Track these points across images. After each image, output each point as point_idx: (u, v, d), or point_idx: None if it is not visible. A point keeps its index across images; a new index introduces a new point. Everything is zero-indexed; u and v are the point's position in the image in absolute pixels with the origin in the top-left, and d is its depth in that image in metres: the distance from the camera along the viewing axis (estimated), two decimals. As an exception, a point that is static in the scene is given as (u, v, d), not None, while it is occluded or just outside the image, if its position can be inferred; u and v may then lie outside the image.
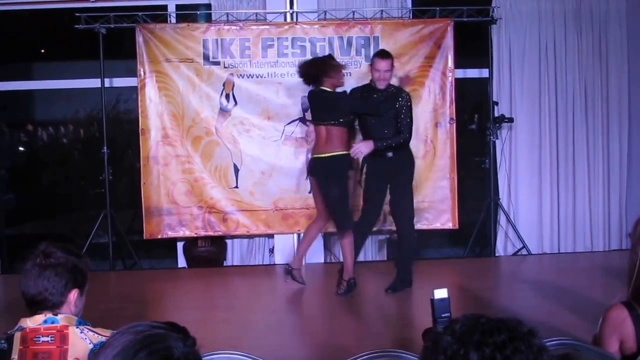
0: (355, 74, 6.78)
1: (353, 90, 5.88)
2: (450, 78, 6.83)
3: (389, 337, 4.36)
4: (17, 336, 2.13)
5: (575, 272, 6.23)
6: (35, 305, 2.19)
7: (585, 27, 7.12)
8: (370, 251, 7.12)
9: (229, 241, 7.08)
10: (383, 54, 5.69)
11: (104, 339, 2.09)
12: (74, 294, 2.23)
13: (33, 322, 2.16)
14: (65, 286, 2.20)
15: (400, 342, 3.52)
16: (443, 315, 2.00)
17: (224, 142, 6.78)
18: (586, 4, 7.11)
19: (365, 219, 5.85)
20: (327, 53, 6.75)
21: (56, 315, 2.17)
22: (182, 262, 7.09)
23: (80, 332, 2.15)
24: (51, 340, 2.13)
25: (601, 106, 7.19)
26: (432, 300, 2.03)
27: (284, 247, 6.95)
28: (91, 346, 2.12)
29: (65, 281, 2.21)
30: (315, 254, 6.94)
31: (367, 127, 5.70)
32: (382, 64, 5.58)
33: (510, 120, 6.93)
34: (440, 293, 2.04)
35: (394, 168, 5.63)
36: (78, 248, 2.37)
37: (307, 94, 5.81)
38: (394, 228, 6.83)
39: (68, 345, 2.13)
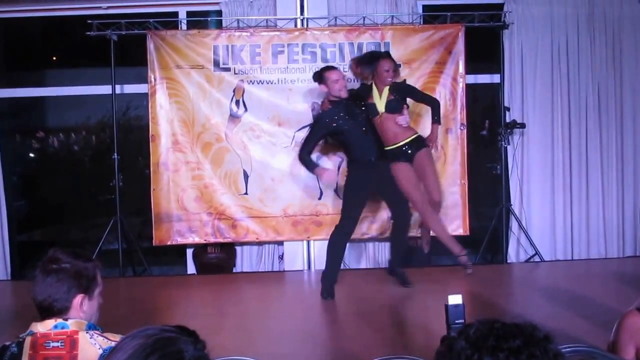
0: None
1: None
2: (461, 84, 6.80)
3: (401, 343, 4.32)
4: (28, 341, 2.13)
5: (589, 279, 6.17)
6: (44, 311, 2.19)
7: (598, 32, 7.08)
8: (379, 257, 7.09)
9: (238, 248, 7.07)
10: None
11: (113, 343, 2.07)
12: (79, 299, 2.21)
13: (44, 327, 2.16)
14: (68, 292, 2.18)
15: (413, 349, 3.48)
16: (457, 321, 1.97)
17: (234, 148, 6.78)
18: (599, 8, 7.06)
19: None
20: (336, 59, 6.77)
21: (66, 320, 2.16)
22: (191, 268, 7.08)
23: (90, 338, 2.14)
24: (61, 345, 2.12)
25: (615, 112, 7.13)
26: (446, 306, 2.01)
27: (293, 254, 6.93)
28: (101, 351, 2.11)
29: (68, 287, 2.19)
30: (324, 260, 6.90)
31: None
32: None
33: (522, 125, 6.90)
34: (455, 299, 2.02)
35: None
36: (89, 253, 2.35)
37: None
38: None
39: (78, 351, 2.12)
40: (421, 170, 5.82)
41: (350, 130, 5.66)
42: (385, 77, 5.71)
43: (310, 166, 5.81)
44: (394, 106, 5.70)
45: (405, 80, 6.21)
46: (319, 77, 5.75)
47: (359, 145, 5.68)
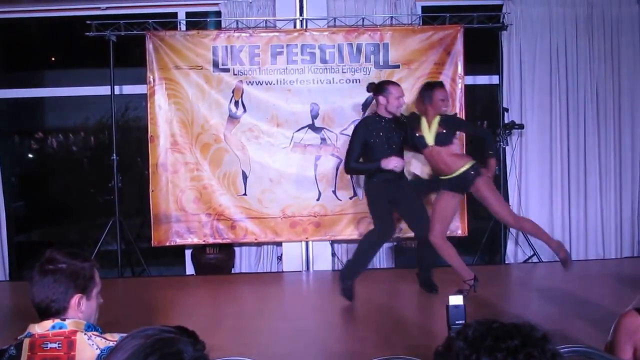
0: (364, 81, 6.77)
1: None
2: (460, 84, 6.81)
3: (400, 344, 4.33)
4: (26, 342, 2.12)
5: (587, 280, 6.18)
6: (42, 312, 2.19)
7: (597, 33, 7.09)
8: (379, 259, 7.09)
9: (237, 248, 7.08)
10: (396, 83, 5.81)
11: (111, 344, 2.07)
12: (76, 299, 2.22)
13: (41, 327, 2.16)
14: (65, 292, 2.19)
15: (413, 350, 3.47)
16: (457, 322, 1.98)
17: (232, 149, 6.78)
18: (598, 9, 7.08)
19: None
20: (335, 60, 6.78)
21: (64, 320, 2.16)
22: (190, 269, 7.09)
23: (88, 339, 2.14)
24: (58, 346, 2.12)
25: (613, 113, 7.15)
26: (447, 307, 2.01)
27: (292, 255, 6.94)
28: (98, 352, 2.10)
29: (65, 287, 2.19)
30: (323, 261, 6.92)
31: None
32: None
33: (521, 126, 6.91)
34: (456, 300, 2.03)
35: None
36: (87, 253, 2.36)
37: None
38: (401, 236, 6.85)
39: (75, 352, 2.12)
40: (482, 197, 5.54)
41: (377, 145, 5.53)
42: (441, 107, 5.53)
43: (367, 168, 5.66)
44: (443, 139, 5.47)
45: (456, 113, 6.18)
46: (380, 88, 5.61)
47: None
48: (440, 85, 5.74)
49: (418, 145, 5.58)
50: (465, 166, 5.46)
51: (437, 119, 5.46)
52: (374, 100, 5.70)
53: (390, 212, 5.68)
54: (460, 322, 1.96)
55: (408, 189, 5.76)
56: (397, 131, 5.61)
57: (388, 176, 5.54)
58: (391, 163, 5.47)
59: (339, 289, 5.46)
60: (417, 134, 5.54)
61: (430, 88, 5.56)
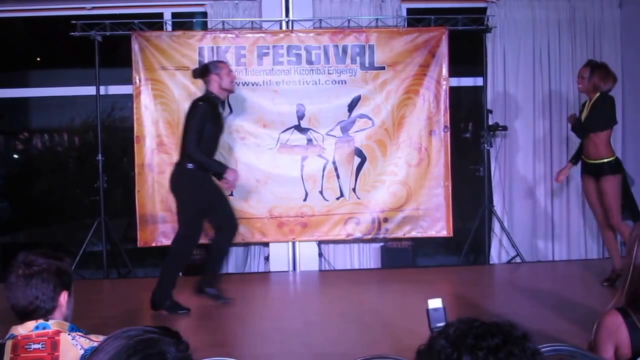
0: (350, 82, 6.81)
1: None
2: (444, 86, 6.85)
3: (384, 343, 4.35)
4: (9, 344, 2.12)
5: (570, 280, 6.24)
6: (27, 316, 2.18)
7: (579, 35, 7.17)
8: (366, 259, 7.12)
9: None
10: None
11: (95, 344, 2.08)
12: (64, 296, 2.23)
13: (25, 329, 2.15)
14: (54, 290, 2.20)
15: (398, 349, 3.49)
16: (438, 324, 2.00)
17: (219, 149, 6.76)
18: (580, 12, 7.15)
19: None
20: (321, 61, 6.79)
21: (48, 320, 2.16)
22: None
23: (72, 339, 2.14)
24: (42, 347, 2.11)
25: (595, 114, 7.20)
26: (428, 311, 2.03)
27: (279, 255, 6.94)
28: (82, 352, 2.11)
29: (54, 285, 2.20)
30: (310, 262, 6.94)
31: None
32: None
33: (505, 128, 6.96)
34: (435, 303, 2.05)
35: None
36: (61, 253, 2.36)
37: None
38: (388, 236, 6.89)
39: (59, 352, 2.12)
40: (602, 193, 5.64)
41: (210, 134, 5.32)
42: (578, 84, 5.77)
43: (211, 166, 5.38)
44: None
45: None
46: (208, 67, 5.45)
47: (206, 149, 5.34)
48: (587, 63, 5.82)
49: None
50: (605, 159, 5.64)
51: (592, 100, 5.62)
52: (205, 83, 5.43)
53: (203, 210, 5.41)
54: (441, 324, 1.98)
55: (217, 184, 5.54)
56: (221, 118, 5.55)
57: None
58: (234, 177, 5.39)
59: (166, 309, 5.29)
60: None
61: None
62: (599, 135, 5.58)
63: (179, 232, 5.43)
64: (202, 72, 5.51)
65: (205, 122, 5.23)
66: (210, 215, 5.49)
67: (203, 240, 6.73)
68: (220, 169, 5.38)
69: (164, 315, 5.19)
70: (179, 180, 5.35)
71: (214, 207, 5.44)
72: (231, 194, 6.73)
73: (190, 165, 5.25)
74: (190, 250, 5.53)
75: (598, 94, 5.58)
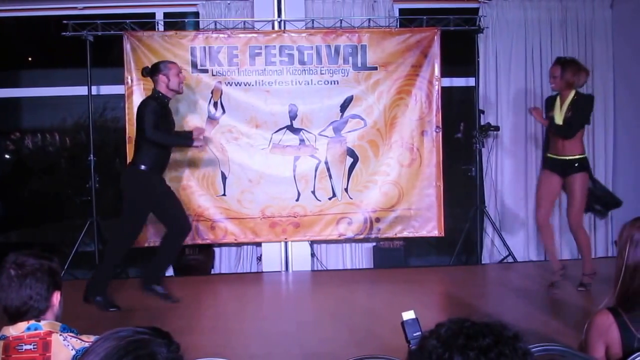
0: (342, 82, 6.81)
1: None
2: (436, 86, 6.87)
3: (377, 343, 4.36)
4: (0, 345, 2.11)
5: (561, 280, 6.25)
6: (20, 316, 2.17)
7: (571, 36, 7.20)
8: (358, 259, 7.13)
9: (216, 249, 7.07)
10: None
11: (87, 344, 2.07)
12: (56, 296, 2.23)
13: (16, 330, 2.15)
14: (48, 290, 2.20)
15: (389, 349, 3.49)
16: (415, 334, 2.03)
17: (211, 150, 6.76)
18: (572, 13, 7.18)
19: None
20: (314, 61, 6.80)
21: (39, 321, 2.16)
22: (169, 270, 7.04)
23: (64, 340, 2.14)
24: (34, 348, 2.11)
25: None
26: (402, 323, 2.05)
27: (271, 255, 6.94)
28: (73, 352, 2.10)
29: (47, 285, 2.20)
30: (302, 262, 6.94)
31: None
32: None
33: (497, 128, 6.97)
34: (408, 315, 2.08)
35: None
36: (50, 253, 2.36)
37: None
38: (380, 236, 6.89)
39: (51, 353, 2.12)
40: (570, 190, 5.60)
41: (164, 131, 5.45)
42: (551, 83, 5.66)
43: (173, 140, 5.60)
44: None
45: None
46: (158, 68, 5.50)
47: (160, 151, 5.47)
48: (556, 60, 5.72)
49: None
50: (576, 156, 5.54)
51: (568, 100, 5.52)
52: (154, 82, 5.52)
53: (147, 215, 5.59)
54: (417, 333, 2.00)
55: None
56: (170, 117, 5.63)
57: (161, 164, 5.51)
58: (199, 132, 5.60)
59: (97, 305, 5.34)
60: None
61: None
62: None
63: (119, 230, 5.59)
64: (152, 71, 5.56)
65: (157, 119, 5.32)
66: (160, 215, 5.66)
67: (199, 241, 6.77)
68: (185, 140, 5.60)
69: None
70: (129, 181, 5.48)
71: (164, 207, 5.57)
72: (224, 194, 6.75)
73: (142, 167, 5.37)
74: (125, 249, 5.64)
75: (574, 92, 5.50)
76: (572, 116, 5.48)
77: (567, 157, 5.51)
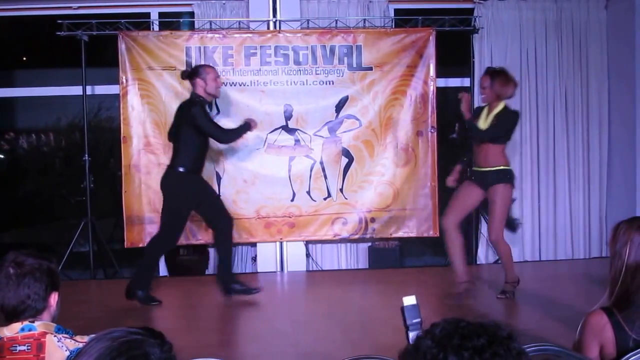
0: (337, 83, 6.81)
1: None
2: (432, 87, 6.87)
3: (371, 343, 4.36)
4: (-6, 346, 2.11)
5: (556, 280, 6.27)
6: (17, 315, 2.16)
7: (566, 36, 7.21)
8: (353, 259, 7.13)
9: (211, 249, 7.05)
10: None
11: (81, 345, 2.07)
12: (54, 297, 2.23)
13: (10, 330, 2.14)
14: (46, 290, 2.20)
15: (385, 349, 3.50)
16: (414, 320, 2.01)
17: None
18: (567, 14, 7.19)
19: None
20: (309, 62, 6.79)
21: (34, 322, 2.15)
22: (163, 270, 7.04)
23: (58, 341, 2.13)
24: (28, 349, 2.10)
25: (581, 115, 7.27)
26: (402, 308, 2.04)
27: (266, 256, 6.93)
28: (67, 353, 2.10)
29: (46, 285, 2.20)
30: (297, 262, 6.93)
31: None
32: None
33: (492, 129, 6.97)
34: (409, 300, 2.05)
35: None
36: (49, 254, 2.36)
37: None
38: (375, 236, 6.90)
39: (45, 354, 2.11)
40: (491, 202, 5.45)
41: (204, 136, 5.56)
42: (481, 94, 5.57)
43: (240, 130, 5.68)
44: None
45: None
46: (197, 71, 5.58)
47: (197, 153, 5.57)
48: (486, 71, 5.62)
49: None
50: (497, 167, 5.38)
51: (495, 110, 5.40)
52: (192, 85, 5.58)
53: (189, 215, 5.69)
54: (417, 320, 1.99)
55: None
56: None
57: (198, 165, 5.58)
58: (254, 123, 5.72)
59: (138, 299, 5.44)
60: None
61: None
62: (496, 145, 5.35)
63: (160, 231, 5.64)
64: (191, 74, 5.61)
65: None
66: (203, 214, 5.75)
67: (194, 241, 6.76)
68: (245, 128, 5.67)
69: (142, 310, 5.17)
70: (169, 184, 5.53)
71: (205, 207, 5.63)
72: (219, 195, 6.75)
73: (181, 169, 5.43)
74: (167, 247, 5.74)
75: (503, 104, 5.35)
76: (494, 127, 5.34)
77: (489, 169, 5.33)
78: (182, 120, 5.49)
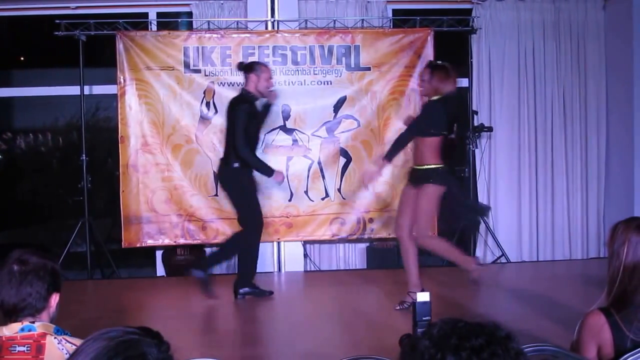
0: (335, 83, 6.81)
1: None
2: (430, 87, 6.86)
3: (368, 344, 4.35)
4: (-7, 346, 2.10)
5: (554, 280, 6.27)
6: (16, 313, 2.16)
7: (563, 37, 7.22)
8: (351, 259, 7.13)
9: (208, 250, 7.04)
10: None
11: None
12: (55, 298, 2.23)
13: (9, 330, 2.13)
14: (47, 290, 2.20)
15: (383, 350, 3.51)
16: (424, 318, 2.01)
17: (204, 150, 6.75)
18: (565, 14, 7.20)
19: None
20: (307, 62, 6.79)
21: (33, 322, 2.14)
22: (160, 270, 7.04)
23: (58, 343, 2.13)
24: (27, 350, 2.10)
25: (579, 115, 7.27)
26: (414, 304, 2.04)
27: (264, 256, 6.91)
28: (67, 356, 2.09)
29: (48, 284, 2.20)
30: (295, 262, 6.93)
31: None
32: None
33: (490, 129, 6.98)
34: (423, 296, 2.05)
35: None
36: (52, 255, 2.36)
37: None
38: (373, 237, 6.90)
39: (44, 355, 2.10)
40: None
41: (252, 129, 5.63)
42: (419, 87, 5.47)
43: (262, 167, 5.68)
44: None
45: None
46: (252, 67, 5.64)
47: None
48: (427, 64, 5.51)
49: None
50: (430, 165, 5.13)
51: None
52: (245, 79, 5.66)
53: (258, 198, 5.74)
54: (427, 318, 1.99)
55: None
56: (259, 114, 5.75)
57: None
58: (279, 177, 5.74)
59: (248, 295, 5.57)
60: None
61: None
62: (424, 141, 5.07)
63: (242, 225, 5.68)
64: (246, 67, 5.68)
65: (250, 120, 5.50)
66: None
67: (190, 241, 6.75)
68: (267, 172, 5.66)
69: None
70: (228, 180, 5.72)
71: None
72: (216, 194, 6.74)
73: (235, 165, 5.54)
74: (256, 239, 5.70)
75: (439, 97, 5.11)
76: (417, 117, 5.20)
77: (421, 167, 5.11)
78: (231, 116, 5.57)
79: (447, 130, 5.11)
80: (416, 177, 5.16)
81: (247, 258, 5.70)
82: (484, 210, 5.89)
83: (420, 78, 5.49)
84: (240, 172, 5.59)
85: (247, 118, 5.48)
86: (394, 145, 5.20)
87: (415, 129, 5.14)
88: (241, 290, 5.65)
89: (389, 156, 5.18)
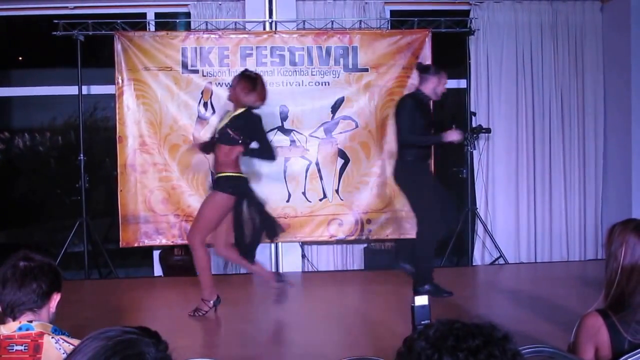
0: (333, 84, 6.81)
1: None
2: (428, 88, 6.86)
3: (367, 345, 4.36)
4: (-10, 345, 2.10)
5: (552, 282, 6.27)
6: (17, 307, 2.17)
7: (561, 38, 7.23)
8: (349, 260, 7.13)
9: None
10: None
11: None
12: (55, 298, 2.24)
13: (7, 329, 2.14)
14: (50, 287, 2.22)
15: (381, 350, 3.51)
16: (423, 322, 2.00)
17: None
18: (562, 15, 7.21)
19: None
20: (305, 63, 6.78)
21: (31, 322, 2.15)
22: (158, 270, 7.03)
23: (56, 343, 2.13)
24: (24, 349, 2.10)
25: (577, 116, 7.28)
26: (413, 307, 2.03)
27: (261, 256, 6.90)
28: (64, 356, 2.09)
29: (51, 281, 2.23)
30: (293, 263, 6.93)
31: None
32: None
33: (488, 130, 6.99)
34: (421, 300, 2.04)
35: None
36: (52, 257, 2.40)
37: None
38: (371, 238, 6.90)
39: (41, 355, 2.11)
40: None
41: (422, 127, 5.60)
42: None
43: (427, 140, 5.64)
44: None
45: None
46: (435, 70, 5.63)
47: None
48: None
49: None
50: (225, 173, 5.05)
51: (236, 112, 5.09)
52: (422, 79, 5.64)
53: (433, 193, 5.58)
54: (426, 321, 1.98)
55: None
56: (429, 115, 5.78)
57: (422, 154, 5.62)
58: (453, 135, 5.52)
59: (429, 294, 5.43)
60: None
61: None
62: (221, 148, 5.02)
63: (419, 224, 5.58)
64: (427, 69, 5.71)
65: (414, 114, 5.45)
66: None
67: (186, 241, 6.73)
68: (437, 139, 5.62)
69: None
70: (403, 175, 5.65)
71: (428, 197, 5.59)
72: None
73: (409, 158, 5.53)
74: (436, 234, 5.62)
75: (245, 109, 5.03)
76: (223, 127, 5.04)
77: (216, 174, 5.09)
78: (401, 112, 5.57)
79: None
80: (213, 184, 5.12)
81: (424, 256, 5.56)
82: (274, 231, 5.53)
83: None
84: (413, 165, 5.57)
85: (411, 112, 5.46)
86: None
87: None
88: (426, 287, 5.46)
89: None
